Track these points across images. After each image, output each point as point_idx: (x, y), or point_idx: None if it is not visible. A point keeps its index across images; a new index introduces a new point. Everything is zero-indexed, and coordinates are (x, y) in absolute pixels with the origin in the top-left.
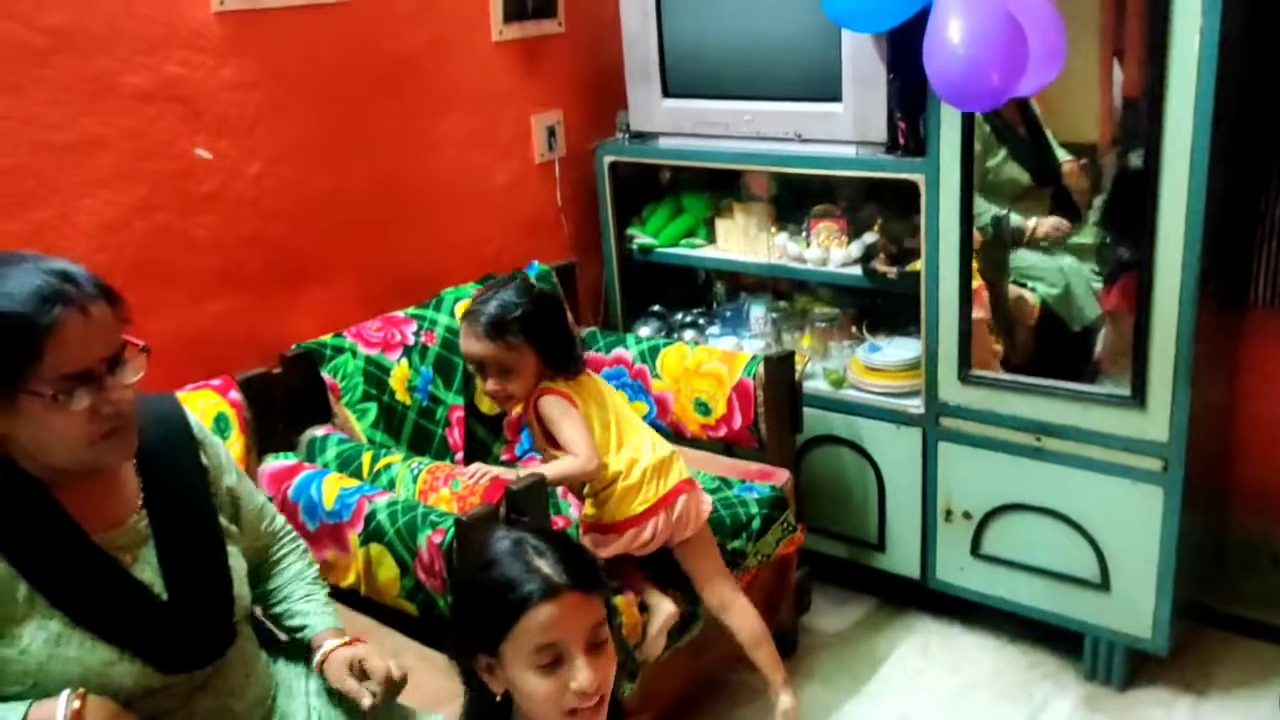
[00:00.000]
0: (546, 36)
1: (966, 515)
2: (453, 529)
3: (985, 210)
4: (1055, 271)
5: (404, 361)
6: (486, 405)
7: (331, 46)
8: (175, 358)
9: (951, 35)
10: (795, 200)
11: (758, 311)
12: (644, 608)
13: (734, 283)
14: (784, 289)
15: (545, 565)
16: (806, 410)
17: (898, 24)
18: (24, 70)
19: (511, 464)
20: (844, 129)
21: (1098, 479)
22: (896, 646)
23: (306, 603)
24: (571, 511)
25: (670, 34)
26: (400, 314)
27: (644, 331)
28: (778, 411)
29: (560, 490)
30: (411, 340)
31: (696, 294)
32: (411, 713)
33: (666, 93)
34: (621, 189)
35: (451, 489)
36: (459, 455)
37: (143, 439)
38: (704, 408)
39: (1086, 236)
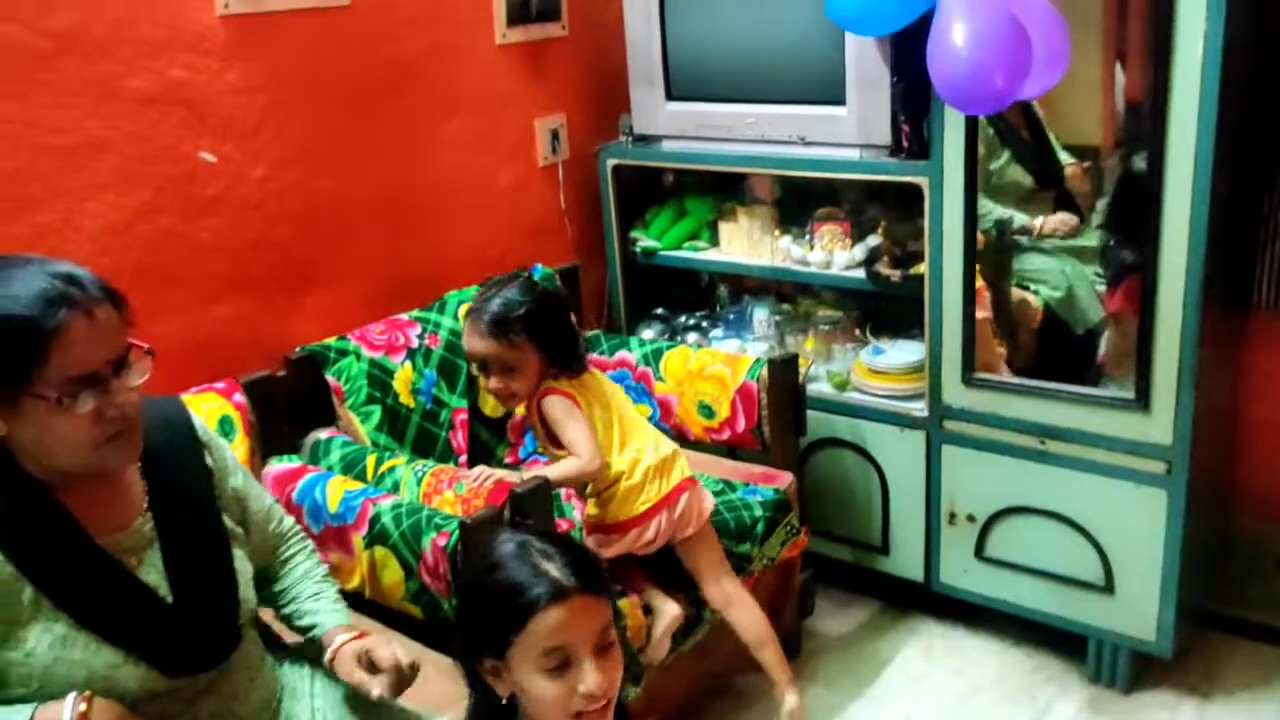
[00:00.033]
0: (550, 40)
1: (970, 518)
2: (457, 532)
3: (989, 212)
4: (1058, 274)
5: (408, 364)
6: (490, 408)
7: (336, 50)
8: (180, 360)
9: (955, 38)
10: (799, 203)
11: (761, 314)
12: (648, 610)
13: (737, 286)
14: (787, 292)
15: (553, 568)
16: (810, 413)
17: (901, 27)
18: (27, 74)
19: (515, 466)
20: (848, 132)
21: (1102, 482)
22: (900, 649)
23: (316, 601)
24: (575, 514)
25: (674, 37)
26: (404, 317)
27: (647, 334)
28: (781, 414)
29: (564, 493)
30: (415, 343)
31: (700, 297)
32: (416, 716)
33: (670, 96)
34: (625, 192)
35: (456, 492)
36: (463, 458)
37: (147, 442)
38: (707, 410)
39: (1090, 239)
